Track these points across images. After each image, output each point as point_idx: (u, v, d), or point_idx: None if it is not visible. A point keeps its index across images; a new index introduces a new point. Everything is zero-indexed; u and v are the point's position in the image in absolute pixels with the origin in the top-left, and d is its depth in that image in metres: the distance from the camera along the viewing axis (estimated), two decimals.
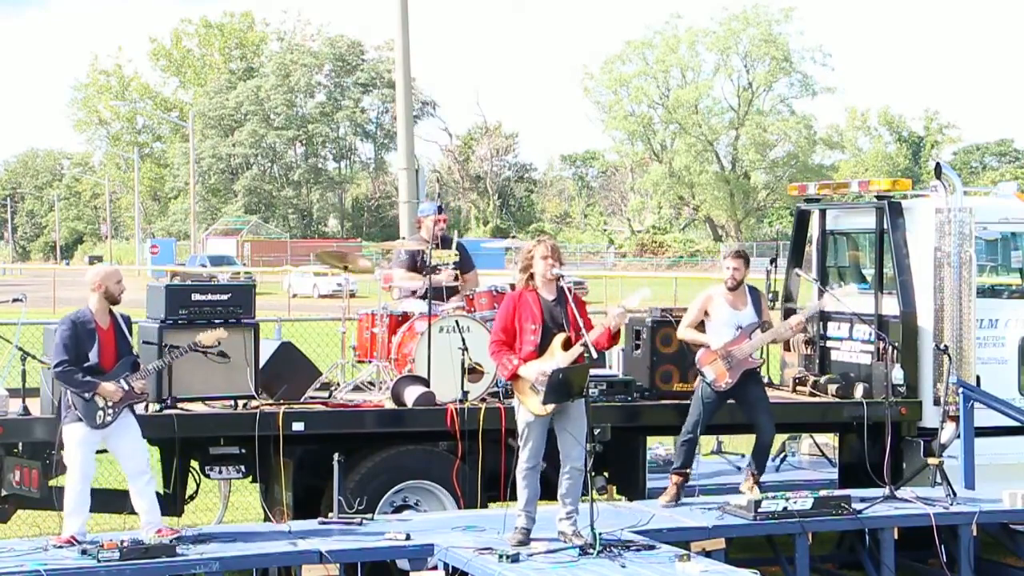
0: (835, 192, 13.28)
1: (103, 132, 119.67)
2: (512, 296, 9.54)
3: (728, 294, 10.96)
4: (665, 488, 10.90)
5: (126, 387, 9.24)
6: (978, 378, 11.95)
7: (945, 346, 11.65)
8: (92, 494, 9.41)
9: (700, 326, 11.08)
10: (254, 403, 10.74)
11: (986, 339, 12.17)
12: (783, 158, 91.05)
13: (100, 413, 9.20)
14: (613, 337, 9.47)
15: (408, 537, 9.47)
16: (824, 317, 12.89)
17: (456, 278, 12.11)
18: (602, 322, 9.41)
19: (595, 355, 9.41)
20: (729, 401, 10.99)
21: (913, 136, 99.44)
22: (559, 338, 9.32)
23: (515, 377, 9.32)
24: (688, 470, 10.90)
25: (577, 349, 9.27)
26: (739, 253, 11.15)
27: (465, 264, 12.32)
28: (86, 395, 9.15)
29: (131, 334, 9.62)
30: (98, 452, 9.54)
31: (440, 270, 11.88)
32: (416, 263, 12.12)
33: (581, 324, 9.31)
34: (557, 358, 9.24)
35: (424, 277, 11.62)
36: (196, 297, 10.72)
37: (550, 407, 9.19)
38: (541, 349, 9.31)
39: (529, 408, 9.30)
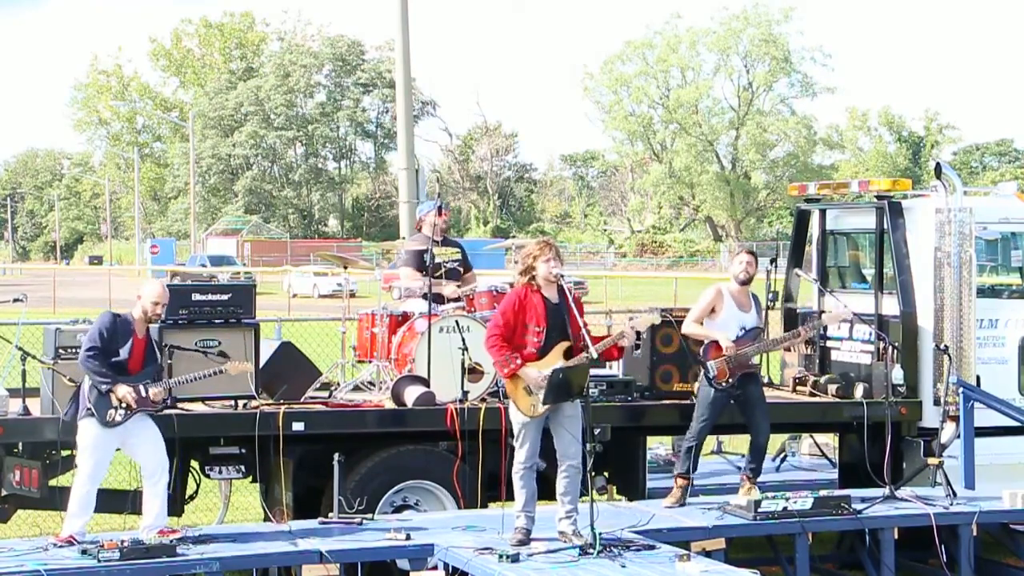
0: (835, 192, 13.27)
1: (103, 132, 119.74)
2: (517, 292, 9.46)
3: (736, 294, 10.92)
4: (667, 489, 10.91)
5: (142, 393, 9.23)
6: (978, 378, 11.94)
7: (945, 346, 11.65)
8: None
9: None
10: (254, 403, 10.74)
11: (986, 339, 12.17)
12: (783, 158, 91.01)
13: (112, 411, 9.18)
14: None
15: (408, 537, 9.47)
16: None
17: (458, 293, 12.07)
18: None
19: (595, 356, 9.41)
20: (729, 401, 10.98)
21: (913, 136, 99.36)
22: (561, 346, 9.32)
23: (512, 376, 9.31)
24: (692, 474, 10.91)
25: (579, 360, 9.28)
26: (752, 251, 11.18)
27: (465, 264, 12.33)
28: (102, 387, 9.14)
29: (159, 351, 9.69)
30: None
31: (444, 283, 11.84)
32: (422, 262, 12.07)
33: (586, 335, 9.30)
34: (557, 365, 9.23)
35: (428, 278, 11.58)
36: (196, 297, 10.73)
37: (542, 409, 9.19)
38: (542, 352, 9.31)
39: (521, 409, 9.30)
